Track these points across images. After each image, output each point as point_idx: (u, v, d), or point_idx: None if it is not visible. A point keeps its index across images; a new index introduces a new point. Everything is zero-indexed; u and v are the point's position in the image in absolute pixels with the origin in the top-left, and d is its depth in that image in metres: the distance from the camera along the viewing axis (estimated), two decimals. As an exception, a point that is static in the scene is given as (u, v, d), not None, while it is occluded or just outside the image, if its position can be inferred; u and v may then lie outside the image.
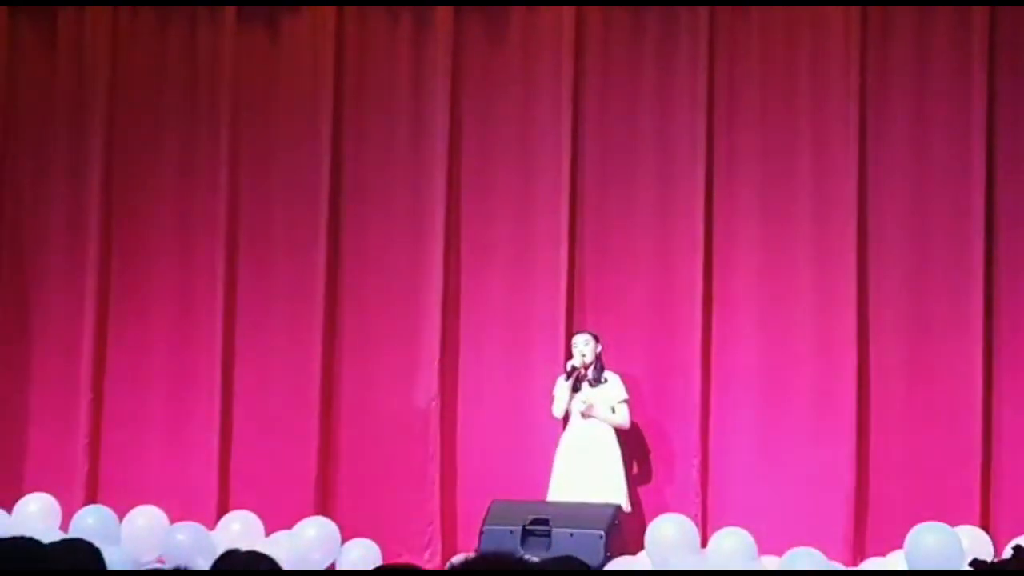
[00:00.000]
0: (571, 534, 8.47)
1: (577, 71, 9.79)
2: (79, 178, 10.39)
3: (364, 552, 9.02)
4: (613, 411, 9.18)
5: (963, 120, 9.25)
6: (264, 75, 10.30)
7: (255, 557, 3.66)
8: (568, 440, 9.21)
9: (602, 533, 8.48)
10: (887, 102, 9.38)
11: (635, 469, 9.39)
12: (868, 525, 9.08)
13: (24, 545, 3.60)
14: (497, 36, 10.02)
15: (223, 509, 9.70)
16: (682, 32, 9.68)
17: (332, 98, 10.10)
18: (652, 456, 9.48)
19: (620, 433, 9.20)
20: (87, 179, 10.35)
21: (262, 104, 10.28)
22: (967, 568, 3.13)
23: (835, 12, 9.47)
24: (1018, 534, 8.18)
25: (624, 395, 9.20)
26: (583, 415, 9.13)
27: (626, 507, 8.95)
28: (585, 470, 9.04)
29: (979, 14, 9.24)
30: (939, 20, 9.35)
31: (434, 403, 9.73)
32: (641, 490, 9.36)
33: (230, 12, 10.26)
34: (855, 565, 8.65)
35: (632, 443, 9.34)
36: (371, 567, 8.61)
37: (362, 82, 10.18)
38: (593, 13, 9.83)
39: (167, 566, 8.61)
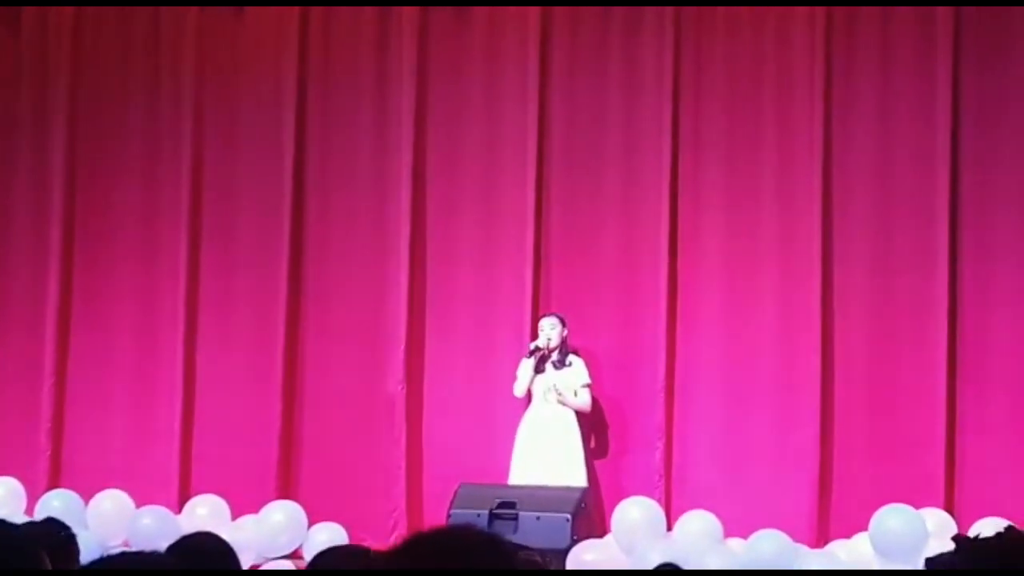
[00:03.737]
0: (538, 517, 8.50)
1: (543, 63, 9.80)
2: (43, 165, 10.35)
3: (331, 536, 9.01)
4: (575, 394, 9.21)
5: (927, 114, 9.29)
6: (227, 65, 10.28)
7: (208, 539, 3.65)
8: (529, 421, 9.24)
9: (569, 516, 8.51)
10: (852, 97, 9.41)
11: (600, 452, 9.42)
12: (832, 507, 9.12)
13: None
14: (463, 27, 10.00)
15: (185, 493, 9.69)
16: (647, 30, 9.67)
17: (296, 88, 10.08)
18: (617, 439, 9.51)
19: (582, 415, 9.24)
20: (50, 166, 10.32)
21: (225, 94, 10.26)
22: (947, 548, 3.09)
23: (800, 12, 9.49)
24: (981, 516, 8.24)
25: (587, 379, 9.23)
26: (559, 401, 9.15)
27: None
28: (546, 451, 9.07)
29: (943, 13, 9.27)
30: (903, 19, 9.38)
31: (400, 387, 9.73)
32: (606, 473, 9.39)
33: (194, 8, 10.23)
34: (820, 547, 8.68)
35: (597, 426, 9.37)
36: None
37: (327, 72, 10.16)
38: (559, 12, 9.82)
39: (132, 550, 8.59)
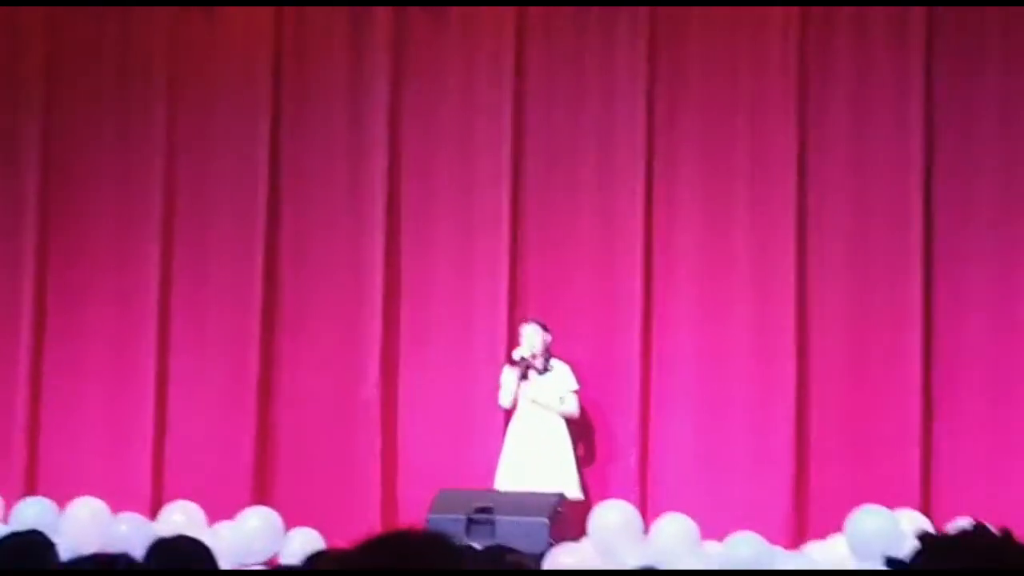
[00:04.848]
0: (515, 521, 8.50)
1: (518, 66, 9.81)
2: (16, 168, 10.33)
3: (306, 541, 8.99)
4: (562, 400, 9.20)
5: (901, 115, 9.32)
6: (201, 65, 10.27)
7: (187, 543, 3.66)
8: (517, 429, 9.22)
9: (546, 520, 8.51)
10: (826, 99, 9.44)
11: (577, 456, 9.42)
12: (808, 509, 9.15)
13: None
14: (438, 28, 10.01)
15: (158, 500, 9.66)
16: (622, 32, 9.69)
17: (271, 88, 10.09)
18: (593, 444, 9.51)
19: (570, 422, 9.23)
20: (24, 169, 10.30)
21: (199, 95, 10.25)
22: (914, 545, 3.00)
23: (774, 12, 9.52)
24: (956, 517, 8.27)
25: (574, 385, 9.22)
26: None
27: (578, 495, 8.99)
28: (535, 459, 9.06)
29: (916, 13, 9.31)
30: (877, 19, 9.41)
31: (375, 392, 9.72)
32: (583, 477, 9.38)
33: (166, 9, 10.22)
34: (796, 549, 8.70)
35: (573, 431, 9.36)
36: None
37: (301, 74, 10.16)
38: (534, 12, 9.84)
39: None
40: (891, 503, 8.44)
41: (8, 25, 10.44)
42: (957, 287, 9.21)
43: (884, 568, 7.50)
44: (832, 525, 8.53)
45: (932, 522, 8.52)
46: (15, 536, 3.84)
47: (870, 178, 9.38)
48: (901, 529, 8.06)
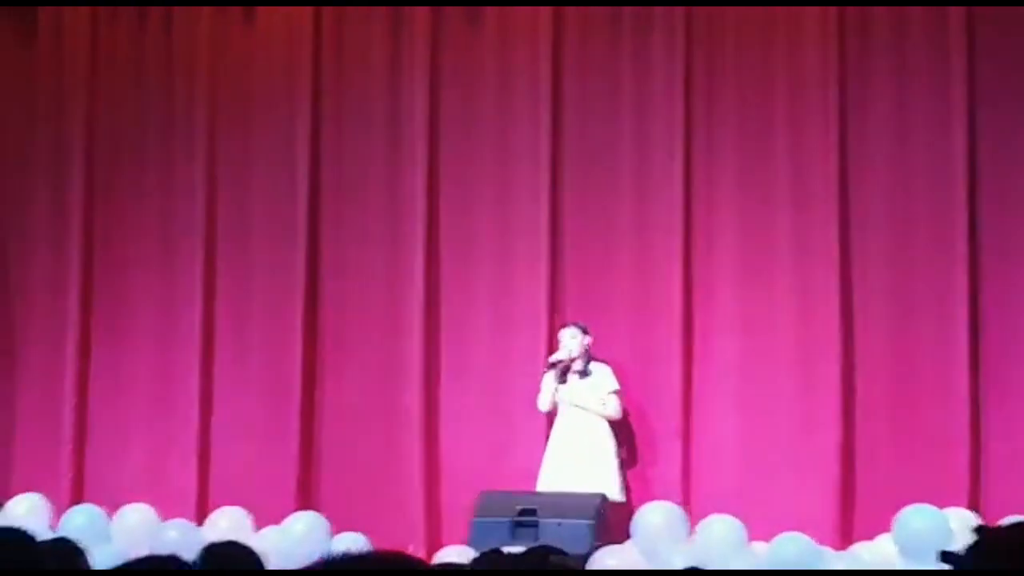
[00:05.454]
0: (559, 524, 8.50)
1: (554, 67, 9.81)
2: (60, 181, 10.40)
3: (354, 546, 9.01)
4: (604, 404, 9.18)
5: (943, 113, 9.27)
6: (241, 74, 10.31)
7: (237, 548, 3.68)
8: (559, 432, 9.22)
9: (590, 522, 8.50)
10: (866, 98, 9.39)
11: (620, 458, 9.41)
12: (855, 509, 9.10)
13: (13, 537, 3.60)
14: (475, 28, 10.02)
15: (204, 507, 9.70)
16: (657, 31, 9.68)
17: (310, 97, 10.10)
18: (636, 445, 9.49)
19: (614, 423, 9.21)
20: (69, 182, 10.37)
21: (239, 104, 10.29)
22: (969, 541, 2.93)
23: (811, 11, 9.48)
24: (1006, 515, 8.21)
25: (615, 386, 9.20)
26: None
27: (619, 497, 8.97)
28: (577, 462, 9.05)
29: (955, 13, 9.26)
30: (916, 18, 9.37)
31: (417, 397, 9.73)
32: (626, 478, 9.37)
33: (206, 10, 10.27)
34: (843, 549, 8.66)
35: (617, 432, 9.34)
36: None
37: (339, 81, 10.18)
38: (569, 13, 9.83)
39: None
40: (939, 502, 8.38)
41: (53, 33, 10.50)
42: (1003, 284, 9.16)
43: (933, 567, 7.45)
44: (880, 524, 8.49)
45: (982, 520, 8.47)
46: (44, 544, 3.86)
47: (913, 176, 9.34)
48: (950, 528, 8.01)
